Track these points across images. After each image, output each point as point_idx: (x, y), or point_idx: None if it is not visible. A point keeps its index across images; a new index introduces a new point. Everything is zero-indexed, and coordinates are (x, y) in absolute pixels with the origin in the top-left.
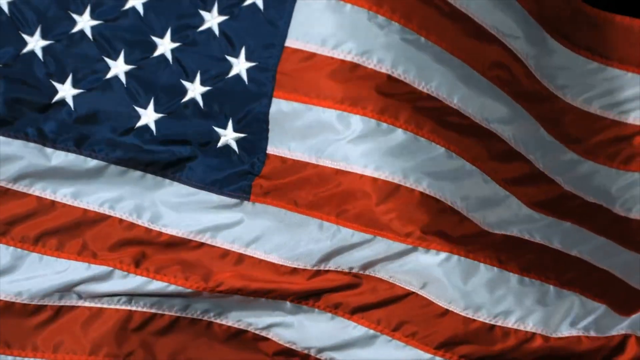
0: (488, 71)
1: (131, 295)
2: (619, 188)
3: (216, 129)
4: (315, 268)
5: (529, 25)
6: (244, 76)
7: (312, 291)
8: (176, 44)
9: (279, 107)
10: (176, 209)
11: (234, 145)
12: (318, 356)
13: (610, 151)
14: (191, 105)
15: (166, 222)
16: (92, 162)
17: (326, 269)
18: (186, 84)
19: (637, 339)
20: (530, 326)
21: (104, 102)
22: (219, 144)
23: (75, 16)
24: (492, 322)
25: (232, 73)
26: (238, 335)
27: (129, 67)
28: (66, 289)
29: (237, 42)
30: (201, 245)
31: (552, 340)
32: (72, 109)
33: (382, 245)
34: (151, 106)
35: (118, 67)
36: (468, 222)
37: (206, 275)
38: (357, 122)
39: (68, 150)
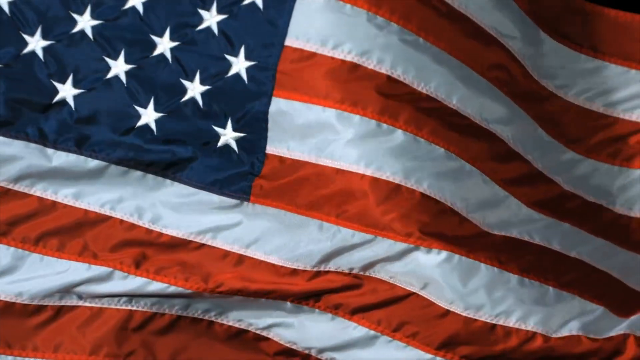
0: (487, 72)
1: (132, 296)
2: (620, 186)
3: (216, 128)
4: (315, 269)
5: (526, 25)
6: (244, 75)
7: (312, 292)
8: (175, 43)
9: (279, 106)
10: (177, 209)
11: (234, 145)
12: (319, 356)
13: (613, 149)
14: (191, 105)
15: (166, 223)
16: (93, 163)
17: (326, 269)
18: (186, 83)
19: (636, 338)
20: (531, 326)
21: (104, 102)
22: (219, 144)
23: (75, 16)
24: (494, 322)
25: (232, 72)
26: (239, 335)
27: (129, 66)
28: (67, 290)
29: (237, 41)
30: (201, 246)
31: (552, 341)
32: (73, 109)
33: (382, 246)
34: (151, 105)
35: (118, 67)
36: (468, 223)
37: (206, 276)
38: (357, 122)
39: (69, 151)
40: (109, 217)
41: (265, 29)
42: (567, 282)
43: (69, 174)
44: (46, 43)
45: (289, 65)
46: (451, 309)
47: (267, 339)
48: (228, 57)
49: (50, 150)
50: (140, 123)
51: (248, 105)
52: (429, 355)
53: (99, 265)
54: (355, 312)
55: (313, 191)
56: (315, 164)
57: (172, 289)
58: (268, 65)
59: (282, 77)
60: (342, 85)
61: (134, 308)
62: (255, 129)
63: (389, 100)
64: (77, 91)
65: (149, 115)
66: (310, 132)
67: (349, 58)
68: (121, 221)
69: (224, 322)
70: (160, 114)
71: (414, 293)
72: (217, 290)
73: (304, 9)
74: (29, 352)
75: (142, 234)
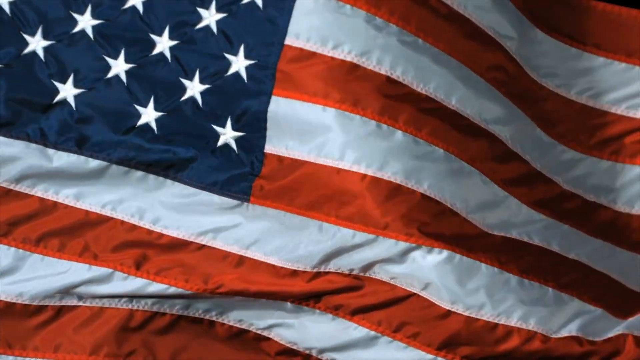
0: (485, 72)
1: (132, 297)
2: (623, 183)
3: (215, 127)
4: (315, 270)
5: (523, 25)
6: (243, 74)
7: (312, 293)
8: (174, 42)
9: (278, 105)
10: (177, 210)
11: (233, 145)
12: (319, 357)
13: (617, 146)
14: (191, 104)
15: (167, 224)
16: (94, 163)
17: (326, 270)
18: (185, 82)
19: (635, 338)
20: (532, 325)
21: (105, 102)
22: (219, 143)
23: (76, 16)
24: (495, 321)
25: (231, 71)
26: (240, 335)
27: (129, 65)
28: (67, 291)
29: (236, 39)
30: (202, 247)
31: (552, 341)
32: (74, 108)
33: (383, 246)
34: (151, 105)
35: (119, 66)
36: (468, 223)
37: (206, 277)
38: (357, 122)
39: (69, 151)
40: (110, 218)
41: (264, 27)
42: (566, 283)
43: (70, 175)
44: (47, 43)
45: (288, 64)
46: (453, 309)
47: (267, 339)
48: (227, 55)
49: (51, 151)
50: (140, 122)
51: (247, 104)
52: (430, 356)
53: (100, 266)
54: (355, 313)
55: (313, 191)
56: (315, 163)
57: (172, 290)
58: (268, 64)
59: (281, 76)
60: (343, 85)
61: (135, 308)
62: (254, 128)
63: (389, 100)
64: (77, 91)
65: (149, 115)
66: (310, 131)
67: (348, 58)
68: (122, 222)
69: (225, 322)
70: (160, 113)
71: (414, 294)
72: (217, 292)
73: (304, 9)
74: (30, 352)
75: (143, 234)
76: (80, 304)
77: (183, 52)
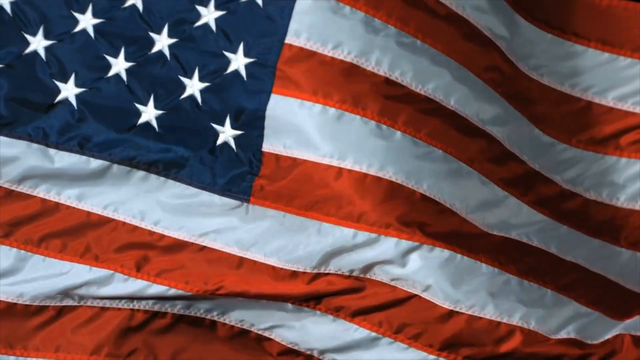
0: (483, 73)
1: (132, 298)
2: (627, 178)
3: (215, 126)
4: (315, 270)
5: (520, 24)
6: (243, 72)
7: (312, 295)
8: (173, 40)
9: (277, 103)
10: (178, 211)
11: (232, 143)
12: (321, 357)
13: (622, 141)
14: (190, 102)
15: (168, 225)
16: (95, 163)
17: (326, 271)
18: (185, 80)
19: (633, 337)
20: (532, 325)
21: (106, 100)
22: (218, 142)
23: (77, 15)
24: (498, 319)
25: (231, 69)
26: (241, 335)
27: (129, 64)
28: (68, 292)
29: (235, 37)
30: (202, 248)
31: (552, 342)
32: (75, 108)
33: (385, 245)
34: (151, 103)
35: (119, 65)
36: (468, 223)
37: (206, 279)
38: (357, 122)
39: (71, 151)
40: (112, 220)
41: (264, 26)
42: (564, 285)
43: (72, 175)
44: (48, 43)
45: (289, 63)
46: (455, 309)
47: (269, 339)
48: (226, 53)
49: (52, 151)
50: (141, 121)
51: (246, 103)
52: (432, 357)
53: (100, 268)
54: (356, 315)
55: (313, 191)
56: (315, 163)
57: (173, 291)
58: (268, 63)
59: (281, 74)
60: (343, 85)
61: (135, 308)
62: (252, 126)
63: (388, 101)
64: (79, 90)
65: (149, 113)
66: (310, 130)
67: (348, 59)
68: (123, 223)
69: (226, 322)
70: (160, 112)
71: (415, 295)
72: (217, 293)
73: (304, 8)
74: (31, 352)
75: (144, 236)
76: (81, 304)
77: (182, 50)
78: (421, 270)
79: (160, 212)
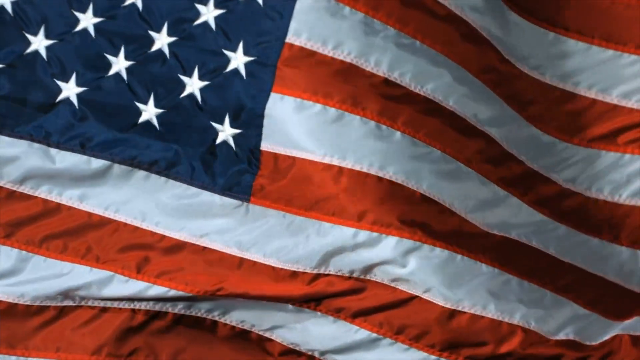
0: (481, 74)
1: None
2: (631, 174)
3: (214, 125)
4: (315, 271)
5: (519, 26)
6: (242, 70)
7: (313, 296)
8: (173, 39)
9: (277, 102)
10: (179, 211)
11: (231, 142)
12: (322, 358)
13: (626, 138)
14: (190, 101)
15: (169, 226)
16: (97, 163)
17: (326, 272)
18: (184, 78)
19: (631, 337)
20: (532, 325)
21: (107, 99)
22: (218, 141)
23: (78, 14)
24: (500, 319)
25: (230, 67)
26: (242, 335)
27: (129, 62)
28: (68, 293)
29: (235, 36)
30: (203, 249)
31: (552, 342)
32: (76, 107)
33: (385, 245)
34: (151, 102)
35: (119, 64)
36: (468, 223)
37: (206, 280)
38: (357, 122)
39: (73, 151)
40: (113, 220)
41: (265, 25)
42: (562, 286)
43: (73, 176)
44: (49, 42)
45: (289, 62)
46: (457, 308)
47: (270, 340)
48: (226, 52)
49: (53, 151)
50: (142, 119)
51: (246, 101)
52: (433, 357)
53: (101, 269)
54: (356, 316)
55: (313, 191)
56: (314, 161)
57: (173, 292)
58: (268, 61)
59: (282, 73)
60: (343, 86)
61: (137, 307)
62: (251, 125)
63: (388, 102)
64: (80, 89)
65: (149, 112)
66: (310, 130)
67: (348, 59)
68: (125, 224)
69: (227, 322)
70: (160, 110)
71: (416, 296)
72: (218, 294)
73: (304, 8)
74: (32, 352)
75: (145, 237)
76: (82, 304)
77: (182, 49)
78: (422, 270)
79: (161, 213)
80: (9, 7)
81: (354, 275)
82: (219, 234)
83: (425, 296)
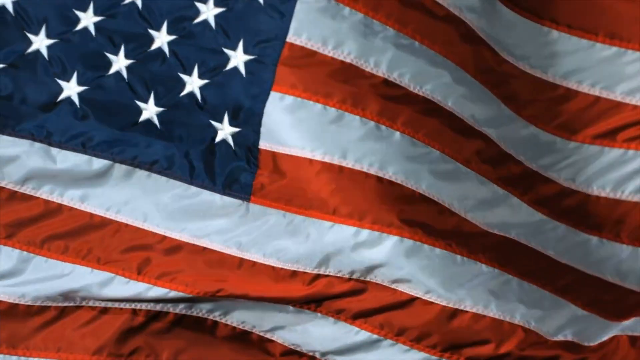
0: (479, 74)
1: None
2: (635, 170)
3: (214, 123)
4: (315, 271)
5: (521, 25)
6: (242, 69)
7: (312, 298)
8: (173, 37)
9: (277, 102)
10: (180, 212)
11: (230, 141)
12: (323, 359)
13: (630, 134)
14: (190, 99)
15: (170, 226)
16: (98, 163)
17: (326, 273)
18: (184, 77)
19: (630, 338)
20: (532, 325)
21: (107, 98)
22: (217, 139)
23: (79, 13)
24: (501, 318)
25: (230, 66)
26: (243, 336)
27: (129, 61)
28: (69, 293)
29: (234, 34)
30: (203, 250)
31: (551, 343)
32: (78, 106)
33: (386, 244)
34: (152, 100)
35: (119, 62)
36: (467, 223)
37: (206, 281)
38: (357, 122)
39: (74, 150)
40: (114, 221)
41: (265, 23)
42: (562, 287)
43: (75, 176)
44: (50, 42)
45: (290, 62)
46: (459, 307)
47: (271, 340)
48: (226, 50)
49: (55, 150)
50: (143, 118)
51: (245, 100)
52: (434, 358)
53: (102, 270)
54: (357, 317)
55: (313, 190)
56: (314, 160)
57: (173, 294)
58: (268, 60)
59: (282, 72)
60: (343, 86)
61: (138, 307)
62: (250, 123)
63: (387, 102)
64: (81, 88)
65: (150, 110)
66: (310, 129)
67: (348, 59)
68: (126, 225)
69: (228, 322)
70: (161, 109)
71: (417, 297)
72: (218, 295)
73: (305, 8)
74: (33, 352)
75: (146, 238)
76: (83, 304)
77: (181, 47)
78: (422, 271)
79: (162, 213)
80: (10, 7)
81: (355, 276)
82: (219, 234)
83: (427, 297)
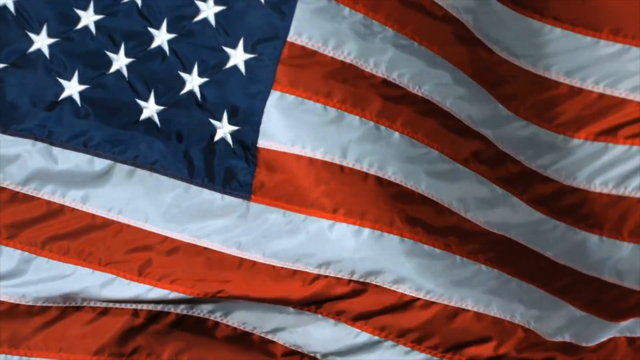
0: (477, 75)
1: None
2: (638, 166)
3: (213, 121)
4: (315, 271)
5: (523, 24)
6: (242, 67)
7: (313, 298)
8: (172, 35)
9: (277, 101)
10: (181, 212)
11: (229, 139)
12: None
13: (634, 130)
14: (190, 97)
15: (171, 227)
16: (99, 162)
17: (326, 274)
18: (184, 75)
19: (628, 339)
20: (532, 325)
21: (108, 97)
22: (216, 138)
23: (79, 12)
24: (502, 317)
25: (230, 64)
26: (244, 337)
27: (129, 60)
28: (70, 294)
29: (235, 33)
30: (203, 250)
31: (549, 344)
32: (79, 105)
33: (387, 243)
34: (152, 99)
35: (120, 61)
36: (467, 222)
37: (207, 282)
38: (357, 123)
39: (76, 150)
40: (116, 222)
41: (266, 22)
42: (559, 288)
43: (76, 176)
44: (51, 41)
45: (290, 61)
46: (461, 306)
47: (273, 341)
48: (226, 49)
49: (56, 150)
50: (143, 116)
51: (245, 98)
52: (436, 359)
53: (103, 272)
54: (357, 319)
55: (313, 189)
56: (314, 159)
57: (173, 295)
58: (269, 59)
59: (283, 71)
60: (343, 86)
61: (139, 307)
62: (249, 122)
63: (387, 102)
64: (82, 87)
65: (150, 109)
66: (310, 129)
67: (348, 60)
68: (128, 226)
69: (229, 323)
70: (161, 107)
71: (418, 298)
72: (218, 296)
73: (305, 8)
74: (34, 352)
75: (148, 238)
76: (84, 304)
77: (181, 45)
78: (423, 271)
79: (163, 213)
80: (11, 7)
81: (355, 276)
82: (219, 234)
83: (428, 297)
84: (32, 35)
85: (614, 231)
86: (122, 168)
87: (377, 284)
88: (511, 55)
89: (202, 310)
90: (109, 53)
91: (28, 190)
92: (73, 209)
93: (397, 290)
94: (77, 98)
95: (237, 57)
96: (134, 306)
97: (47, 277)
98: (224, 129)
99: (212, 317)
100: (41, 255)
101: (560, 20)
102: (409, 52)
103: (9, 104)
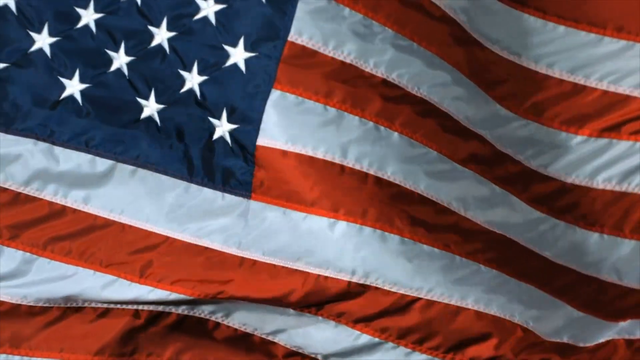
0: (474, 76)
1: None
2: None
3: (212, 120)
4: (316, 271)
5: (526, 23)
6: (242, 66)
7: (313, 300)
8: (172, 33)
9: (277, 100)
10: (181, 212)
11: (228, 137)
12: None
13: (637, 126)
14: (189, 95)
15: (172, 227)
16: (101, 162)
17: (326, 274)
18: (184, 73)
19: (627, 341)
20: (530, 325)
21: (109, 96)
22: (215, 136)
23: (79, 10)
24: (502, 316)
25: (230, 62)
26: (245, 338)
27: (129, 58)
28: (71, 295)
29: (235, 31)
30: (204, 249)
31: (548, 344)
32: (80, 104)
33: (388, 242)
34: (152, 97)
35: (120, 59)
36: (467, 221)
37: (207, 283)
38: (357, 123)
39: (77, 149)
40: (117, 223)
41: (267, 22)
42: (558, 288)
43: (78, 176)
44: (53, 40)
45: (291, 61)
46: (462, 305)
47: (274, 342)
48: (226, 47)
49: (58, 149)
50: (144, 115)
51: (244, 97)
52: (437, 359)
53: (104, 273)
54: (358, 321)
55: (313, 187)
56: (314, 158)
57: (174, 296)
58: (270, 58)
59: (283, 71)
60: (343, 86)
61: (140, 307)
62: (248, 121)
63: (386, 103)
64: (83, 86)
65: (151, 107)
66: (310, 128)
67: (348, 60)
68: (129, 226)
69: (230, 324)
70: (161, 106)
71: (419, 298)
72: (219, 297)
73: (306, 8)
74: (35, 352)
75: (149, 239)
76: (85, 305)
77: (181, 44)
78: (423, 271)
79: (165, 213)
80: (12, 6)
81: (355, 276)
82: (219, 234)
83: (428, 296)
84: (34, 35)
85: (616, 228)
86: (123, 168)
87: (377, 285)
88: (512, 54)
89: (203, 311)
90: (109, 51)
91: (30, 191)
92: (75, 210)
93: (398, 292)
94: (78, 97)
95: (238, 55)
96: (134, 307)
97: (48, 278)
98: (222, 128)
99: (212, 318)
100: (43, 256)
101: (564, 18)
102: (408, 53)
103: (11, 104)
